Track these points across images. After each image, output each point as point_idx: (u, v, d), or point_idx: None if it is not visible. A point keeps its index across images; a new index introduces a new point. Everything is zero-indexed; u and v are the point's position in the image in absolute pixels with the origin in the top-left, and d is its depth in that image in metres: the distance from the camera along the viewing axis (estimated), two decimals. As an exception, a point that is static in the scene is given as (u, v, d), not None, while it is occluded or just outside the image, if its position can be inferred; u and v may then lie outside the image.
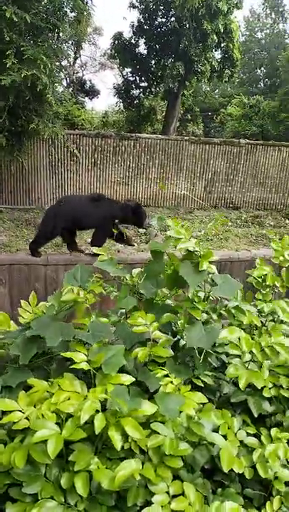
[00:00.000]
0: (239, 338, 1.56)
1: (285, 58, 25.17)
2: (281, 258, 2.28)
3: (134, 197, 13.17)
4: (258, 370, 1.52)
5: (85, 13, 9.22)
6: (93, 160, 12.74)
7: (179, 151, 13.27)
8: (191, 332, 1.49)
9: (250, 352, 1.53)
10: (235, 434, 1.41)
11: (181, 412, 1.26)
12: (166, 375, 1.41)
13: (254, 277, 2.27)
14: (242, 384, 1.42)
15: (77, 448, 1.18)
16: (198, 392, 1.35)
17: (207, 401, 1.38)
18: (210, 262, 1.68)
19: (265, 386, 1.47)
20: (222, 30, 16.54)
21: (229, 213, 13.03)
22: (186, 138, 14.05)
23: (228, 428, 1.38)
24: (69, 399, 1.18)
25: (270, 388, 1.51)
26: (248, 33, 35.64)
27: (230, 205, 13.83)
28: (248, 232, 10.68)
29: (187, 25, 15.41)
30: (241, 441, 1.41)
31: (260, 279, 2.23)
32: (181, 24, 15.70)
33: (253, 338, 1.57)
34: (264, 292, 2.17)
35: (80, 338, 1.39)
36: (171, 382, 1.39)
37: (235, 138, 18.07)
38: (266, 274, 2.20)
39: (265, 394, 1.48)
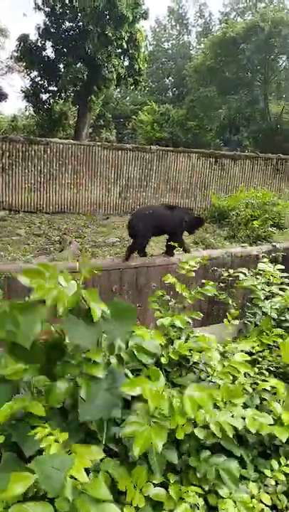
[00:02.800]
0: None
1: (191, 68, 26.33)
2: (186, 267, 2.13)
3: (48, 203, 12.64)
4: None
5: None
6: (1, 165, 11.97)
7: (92, 157, 13.02)
8: (88, 402, 1.16)
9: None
10: (141, 489, 1.19)
11: (71, 476, 1.00)
12: (50, 434, 1.09)
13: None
14: (136, 452, 1.13)
15: None
16: (92, 445, 1.10)
17: (103, 455, 1.14)
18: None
19: (178, 425, 1.27)
20: (126, 38, 16.72)
21: (145, 218, 13.05)
22: (98, 143, 13.85)
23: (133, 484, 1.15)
24: None
25: (182, 425, 1.31)
26: (155, 42, 36.68)
27: (146, 211, 13.91)
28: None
29: (92, 30, 15.28)
30: (147, 496, 1.20)
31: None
32: (87, 29, 15.55)
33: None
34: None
35: None
36: (56, 441, 1.08)
37: (148, 144, 18.36)
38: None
39: (179, 436, 1.26)
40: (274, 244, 9.31)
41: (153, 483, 1.22)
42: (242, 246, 9.31)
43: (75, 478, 0.95)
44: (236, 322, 2.20)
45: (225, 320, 2.18)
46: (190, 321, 2.09)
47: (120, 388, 1.20)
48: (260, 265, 2.47)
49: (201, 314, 2.13)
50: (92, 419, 1.15)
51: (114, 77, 18.38)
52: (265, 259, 2.53)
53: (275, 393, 1.63)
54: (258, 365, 1.83)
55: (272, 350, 1.99)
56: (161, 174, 13.99)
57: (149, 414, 1.19)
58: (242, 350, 1.77)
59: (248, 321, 2.63)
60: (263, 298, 2.21)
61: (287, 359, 1.67)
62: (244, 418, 1.36)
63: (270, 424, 1.37)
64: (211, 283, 2.27)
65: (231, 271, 2.53)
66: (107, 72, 17.63)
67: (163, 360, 1.79)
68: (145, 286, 7.90)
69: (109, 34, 15.71)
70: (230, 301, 2.26)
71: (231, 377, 1.54)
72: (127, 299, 7.62)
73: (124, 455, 1.23)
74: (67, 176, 12.78)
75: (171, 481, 1.26)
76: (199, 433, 1.32)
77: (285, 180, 15.25)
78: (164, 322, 2.11)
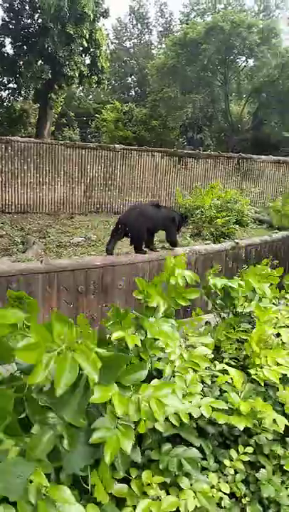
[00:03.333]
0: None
1: (154, 68, 26.46)
2: (172, 280, 2.03)
3: (10, 203, 12.34)
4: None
5: None
6: None
7: (54, 156, 12.83)
8: (72, 452, 1.08)
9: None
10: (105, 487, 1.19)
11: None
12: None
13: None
14: (108, 458, 1.09)
15: None
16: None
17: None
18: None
19: (140, 419, 1.28)
20: (87, 36, 16.63)
21: (110, 217, 13.05)
22: (61, 142, 13.68)
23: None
24: None
25: (145, 420, 1.32)
26: (116, 41, 36.57)
27: (111, 210, 13.88)
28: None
29: (52, 27, 15.06)
30: (110, 493, 1.20)
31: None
32: (47, 26, 15.30)
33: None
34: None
35: None
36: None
37: (111, 143, 18.31)
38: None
39: (141, 430, 1.28)
40: (236, 241, 9.54)
41: (116, 479, 1.23)
42: (206, 243, 9.48)
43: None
44: (204, 318, 2.24)
45: (190, 319, 2.21)
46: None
47: (91, 401, 1.14)
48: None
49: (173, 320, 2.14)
50: (78, 468, 1.10)
51: (77, 75, 18.23)
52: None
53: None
54: (217, 360, 1.88)
55: (233, 344, 2.05)
56: (125, 173, 13.99)
57: (114, 416, 1.18)
58: (204, 344, 1.81)
59: (218, 314, 2.67)
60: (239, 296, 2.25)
61: (248, 351, 1.72)
62: (200, 407, 1.40)
63: (228, 414, 1.42)
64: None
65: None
66: (69, 70, 17.44)
67: (132, 360, 1.80)
68: (111, 285, 7.89)
69: (70, 32, 15.55)
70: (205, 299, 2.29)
71: (192, 372, 1.58)
72: (93, 299, 7.58)
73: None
74: (30, 175, 12.55)
75: (133, 476, 1.28)
76: (159, 426, 1.34)
77: (245, 178, 15.64)
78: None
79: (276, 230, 11.17)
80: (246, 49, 23.18)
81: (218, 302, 2.62)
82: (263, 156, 16.19)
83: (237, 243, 9.44)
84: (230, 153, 16.83)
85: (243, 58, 25.58)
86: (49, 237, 9.98)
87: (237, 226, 10.67)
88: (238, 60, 25.81)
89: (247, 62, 25.78)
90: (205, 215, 10.85)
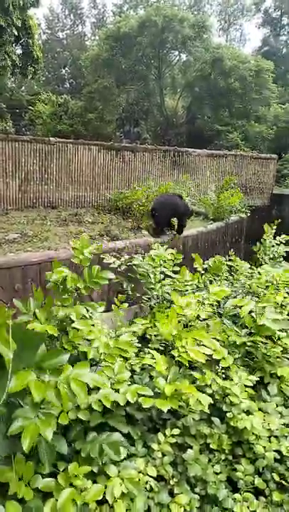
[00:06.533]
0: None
1: (88, 59, 26.03)
2: (81, 257, 2.11)
3: None
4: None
5: None
6: None
7: (-15, 149, 12.21)
8: None
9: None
10: (28, 483, 1.16)
11: None
12: None
13: (53, 282, 2.04)
14: (26, 445, 1.06)
15: None
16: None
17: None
18: None
19: (62, 411, 1.26)
20: (19, 25, 15.96)
21: (48, 212, 12.73)
22: (-8, 135, 13.04)
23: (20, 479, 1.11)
24: None
25: (67, 412, 1.30)
26: (49, 31, 35.50)
27: (48, 204, 13.53)
28: (67, 231, 10.59)
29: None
30: (36, 489, 1.17)
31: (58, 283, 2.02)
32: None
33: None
34: (64, 297, 1.97)
35: None
36: None
37: (48, 136, 17.80)
38: (65, 277, 2.01)
39: (62, 421, 1.25)
40: (174, 233, 9.74)
41: (43, 474, 1.20)
42: (144, 236, 9.57)
43: None
44: (125, 306, 2.26)
45: (113, 306, 2.23)
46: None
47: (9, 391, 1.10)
48: (153, 251, 2.57)
49: (96, 305, 2.14)
50: None
51: (9, 64, 17.43)
52: (157, 244, 2.64)
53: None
54: (147, 345, 1.90)
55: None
56: (62, 167, 13.68)
57: (35, 405, 1.15)
58: (133, 332, 1.83)
59: (145, 304, 2.71)
60: (154, 282, 2.29)
61: (165, 334, 1.75)
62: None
63: (153, 397, 1.44)
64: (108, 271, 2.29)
65: (123, 259, 2.59)
66: (0, 59, 16.61)
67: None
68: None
69: (1, 23, 14.84)
70: (124, 285, 2.31)
71: (121, 359, 1.58)
72: (32, 297, 7.35)
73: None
74: None
75: (61, 470, 1.26)
76: (84, 415, 1.33)
77: (182, 171, 15.98)
78: (59, 314, 2.09)
79: (211, 221, 11.56)
80: (179, 43, 23.53)
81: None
82: (197, 150, 16.62)
83: (174, 235, 9.65)
84: (167, 147, 17.08)
85: (176, 53, 25.98)
86: (-18, 234, 9.50)
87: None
88: (171, 55, 26.15)
89: (180, 56, 26.22)
90: (142, 207, 10.92)
